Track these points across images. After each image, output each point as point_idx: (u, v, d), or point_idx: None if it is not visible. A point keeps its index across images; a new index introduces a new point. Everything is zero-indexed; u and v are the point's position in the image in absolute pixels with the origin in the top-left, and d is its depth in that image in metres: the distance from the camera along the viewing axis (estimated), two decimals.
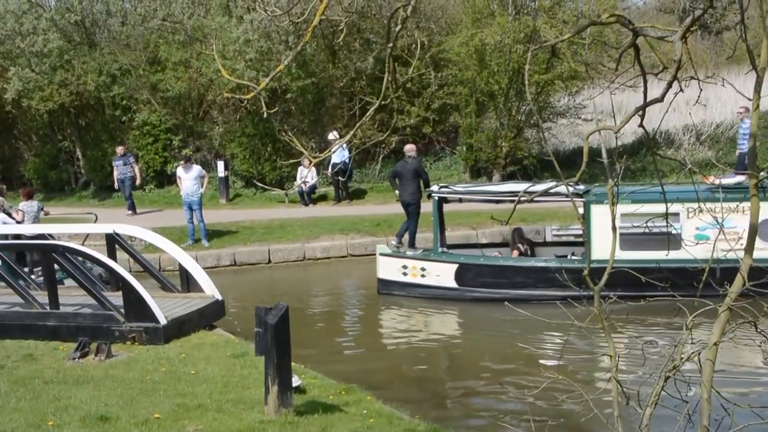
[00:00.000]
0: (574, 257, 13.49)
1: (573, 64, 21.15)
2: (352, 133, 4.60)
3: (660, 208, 13.95)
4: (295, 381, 7.66)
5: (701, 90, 4.21)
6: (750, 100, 3.88)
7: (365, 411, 7.56)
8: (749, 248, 4.01)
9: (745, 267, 3.91)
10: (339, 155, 21.48)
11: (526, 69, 8.65)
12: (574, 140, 25.68)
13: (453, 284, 13.38)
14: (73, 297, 11.07)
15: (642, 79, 4.06)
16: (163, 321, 10.01)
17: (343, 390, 8.36)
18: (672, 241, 12.27)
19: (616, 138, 4.31)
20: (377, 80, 22.32)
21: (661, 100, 3.85)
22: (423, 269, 13.67)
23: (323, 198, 22.67)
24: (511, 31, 20.94)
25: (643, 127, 4.07)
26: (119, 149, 21.60)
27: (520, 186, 14.15)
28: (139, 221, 18.42)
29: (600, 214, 12.56)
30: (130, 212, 21.18)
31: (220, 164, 23.21)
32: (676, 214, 12.43)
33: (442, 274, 13.46)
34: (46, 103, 23.89)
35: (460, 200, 14.68)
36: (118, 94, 24.70)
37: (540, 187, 13.51)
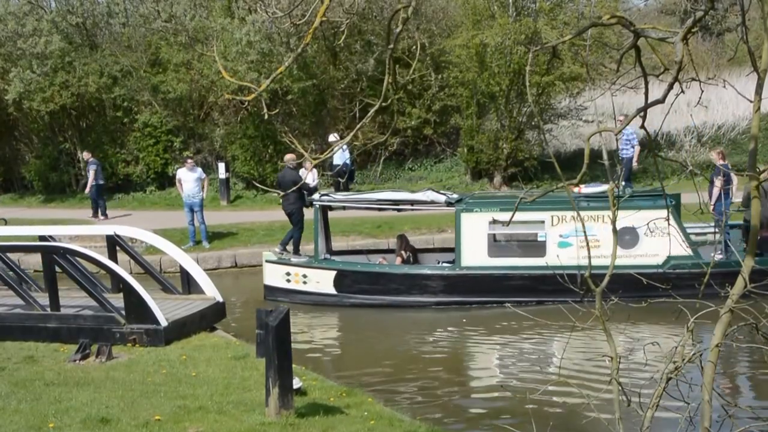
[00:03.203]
0: (444, 264, 13.88)
1: (574, 65, 21.15)
2: (351, 134, 4.60)
3: (526, 216, 14.60)
4: (296, 383, 7.65)
5: (702, 91, 4.21)
6: (751, 102, 3.88)
7: (366, 413, 7.55)
8: (751, 250, 4.01)
9: (747, 269, 3.90)
10: (340, 157, 21.46)
11: (527, 70, 8.65)
12: (575, 142, 25.68)
13: (332, 290, 13.62)
14: (73, 299, 11.06)
15: (643, 81, 4.06)
16: (163, 323, 10.00)
17: (344, 392, 8.36)
18: (538, 247, 12.80)
19: (617, 140, 4.31)
20: (378, 82, 22.32)
21: (662, 101, 3.84)
22: (305, 276, 13.91)
23: None
24: (511, 33, 20.93)
25: (645, 129, 4.07)
26: (85, 155, 21.54)
27: (398, 195, 14.65)
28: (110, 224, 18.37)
29: (470, 222, 13.03)
30: (103, 217, 20.82)
31: (221, 166, 23.21)
32: (541, 222, 12.83)
33: (322, 281, 13.73)
34: (47, 104, 23.87)
35: (344, 208, 14.98)
36: (119, 96, 24.72)
37: (417, 195, 13.97)
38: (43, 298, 10.69)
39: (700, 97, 4.34)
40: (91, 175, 20.65)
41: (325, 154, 5.08)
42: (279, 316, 7.09)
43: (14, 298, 10.93)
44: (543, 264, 12.32)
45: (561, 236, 12.72)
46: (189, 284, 11.53)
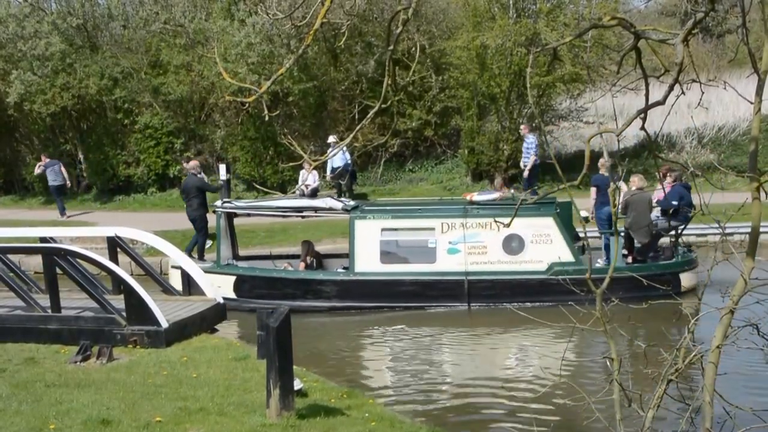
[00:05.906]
0: (340, 270, 14.15)
1: (574, 67, 21.14)
2: (351, 136, 4.61)
3: (417, 223, 14.90)
4: (297, 384, 7.65)
5: (703, 93, 4.21)
6: (752, 103, 3.89)
7: (367, 414, 7.55)
8: (751, 251, 4.01)
9: (747, 270, 3.91)
10: (340, 159, 21.46)
11: (527, 72, 8.70)
12: (575, 143, 25.66)
13: (232, 295, 13.75)
14: (74, 300, 11.06)
15: (644, 82, 4.06)
16: (164, 324, 10.00)
17: (345, 393, 8.36)
18: (428, 254, 13.04)
19: (618, 141, 4.32)
20: (379, 83, 22.30)
21: (662, 102, 3.85)
22: None
23: None
24: (512, 34, 20.94)
25: (645, 130, 4.08)
26: (42, 158, 22.31)
27: (298, 202, 15.14)
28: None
29: (363, 229, 13.39)
30: (63, 216, 21.63)
31: (222, 167, 23.17)
32: (432, 229, 13.23)
33: (223, 286, 13.83)
34: (48, 106, 23.91)
35: (248, 215, 15.29)
36: (120, 98, 24.71)
37: (316, 202, 14.47)
38: (44, 300, 10.69)
39: (700, 99, 4.35)
40: (43, 171, 21.62)
41: (324, 156, 5.10)
42: (280, 318, 7.09)
43: (15, 300, 10.93)
44: (432, 270, 13.00)
45: (450, 243, 13.10)
46: (189, 285, 11.54)
